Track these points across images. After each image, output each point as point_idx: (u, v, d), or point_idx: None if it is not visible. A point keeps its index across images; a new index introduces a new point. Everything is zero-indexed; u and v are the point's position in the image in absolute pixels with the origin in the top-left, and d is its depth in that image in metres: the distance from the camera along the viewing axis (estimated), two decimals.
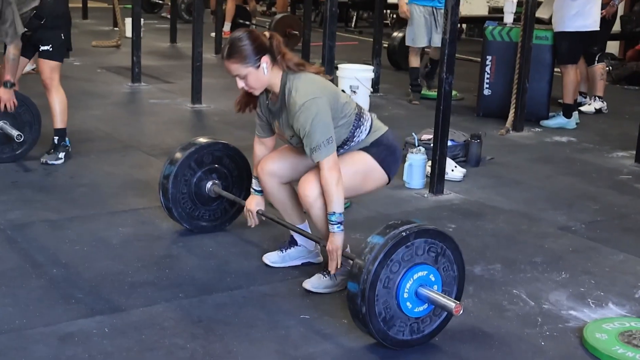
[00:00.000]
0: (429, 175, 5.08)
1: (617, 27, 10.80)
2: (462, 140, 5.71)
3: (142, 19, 8.64)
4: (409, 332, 3.05)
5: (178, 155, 4.04)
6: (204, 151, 4.06)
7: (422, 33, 7.69)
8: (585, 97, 7.82)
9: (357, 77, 7.19)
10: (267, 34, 3.39)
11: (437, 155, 4.95)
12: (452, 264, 3.13)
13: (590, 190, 5.31)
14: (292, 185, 3.70)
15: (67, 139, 5.41)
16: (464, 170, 5.38)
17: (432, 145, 5.06)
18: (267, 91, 3.44)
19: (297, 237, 3.75)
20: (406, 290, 2.97)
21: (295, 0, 13.60)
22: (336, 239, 3.30)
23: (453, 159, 5.43)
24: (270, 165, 3.61)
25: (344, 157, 3.45)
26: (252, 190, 3.74)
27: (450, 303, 2.95)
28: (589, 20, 6.84)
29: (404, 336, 3.04)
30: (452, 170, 5.28)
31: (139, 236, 4.11)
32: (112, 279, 3.55)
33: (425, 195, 4.97)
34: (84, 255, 3.81)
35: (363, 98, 7.24)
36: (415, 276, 2.98)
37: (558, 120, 7.02)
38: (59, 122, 5.34)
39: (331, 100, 3.34)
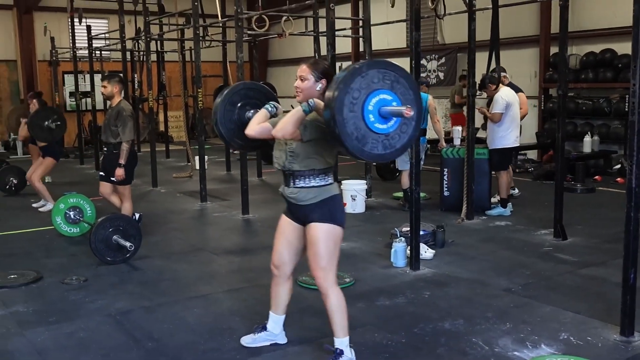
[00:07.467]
0: (408, 256, 5.08)
1: (534, 140, 10.95)
2: (431, 230, 5.71)
3: (206, 157, 8.81)
4: (382, 147, 2.69)
5: (227, 93, 3.53)
6: (242, 91, 3.57)
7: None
8: (514, 189, 7.85)
9: (355, 189, 7.29)
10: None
11: (413, 242, 4.97)
12: (408, 89, 2.72)
13: (523, 260, 5.25)
14: (291, 283, 3.41)
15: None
16: (433, 251, 5.35)
17: (409, 235, 5.08)
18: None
19: (268, 323, 3.50)
20: (370, 109, 2.61)
21: None
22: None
23: (425, 244, 5.42)
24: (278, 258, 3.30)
25: (319, 240, 3.06)
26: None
27: (402, 108, 2.62)
28: (510, 140, 6.92)
29: (378, 151, 2.69)
30: (425, 252, 5.26)
31: (207, 314, 4.10)
32: (189, 347, 3.54)
33: (407, 272, 4.94)
34: (169, 331, 3.80)
35: (360, 202, 7.31)
36: (375, 100, 2.63)
37: (498, 210, 7.01)
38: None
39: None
